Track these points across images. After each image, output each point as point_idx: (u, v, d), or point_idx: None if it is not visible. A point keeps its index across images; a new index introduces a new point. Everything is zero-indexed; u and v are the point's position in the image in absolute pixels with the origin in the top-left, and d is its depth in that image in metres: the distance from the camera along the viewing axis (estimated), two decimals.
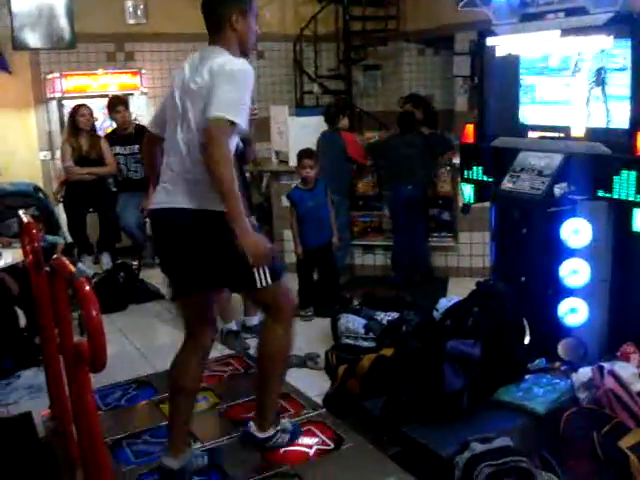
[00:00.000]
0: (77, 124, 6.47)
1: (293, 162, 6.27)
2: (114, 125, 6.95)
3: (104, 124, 7.42)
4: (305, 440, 3.19)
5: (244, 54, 2.90)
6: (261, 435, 3.03)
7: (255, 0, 2.94)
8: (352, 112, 6.98)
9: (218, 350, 4.43)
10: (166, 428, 3.04)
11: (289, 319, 2.98)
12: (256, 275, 2.75)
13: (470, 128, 4.25)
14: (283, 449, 3.11)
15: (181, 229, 2.77)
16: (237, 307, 5.22)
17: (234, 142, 2.81)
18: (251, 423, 3.07)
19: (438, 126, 7.15)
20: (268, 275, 2.77)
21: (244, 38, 2.89)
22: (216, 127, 2.60)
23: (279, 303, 2.92)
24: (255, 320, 5.11)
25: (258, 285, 2.77)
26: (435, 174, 6.38)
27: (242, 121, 2.64)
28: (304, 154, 5.60)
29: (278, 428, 3.08)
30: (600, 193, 3.46)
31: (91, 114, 6.63)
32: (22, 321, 4.81)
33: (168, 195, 2.80)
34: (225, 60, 2.74)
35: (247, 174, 5.90)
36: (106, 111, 6.96)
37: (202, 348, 2.99)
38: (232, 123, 2.62)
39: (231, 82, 2.66)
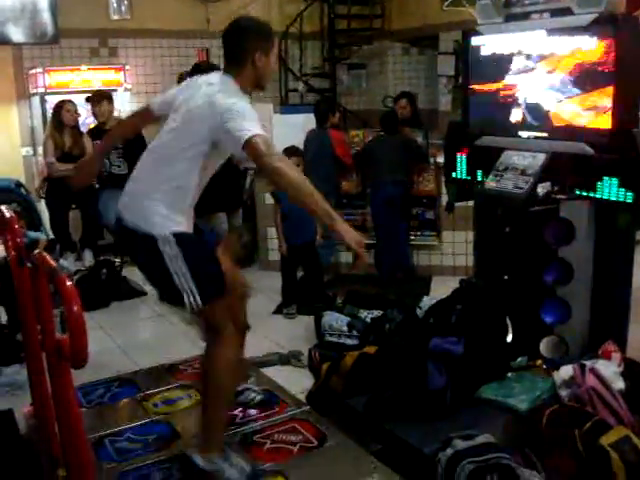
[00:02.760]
0: (62, 120, 6.42)
1: None
2: (97, 122, 6.90)
3: (87, 120, 7.37)
4: (289, 437, 3.20)
5: (260, 88, 2.97)
6: (202, 463, 2.82)
7: (275, 36, 2.99)
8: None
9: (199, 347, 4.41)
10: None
11: (228, 341, 2.87)
12: (185, 298, 2.73)
13: (454, 127, 4.26)
14: (267, 447, 3.12)
15: (133, 244, 2.88)
16: None
17: (218, 163, 2.89)
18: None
19: (422, 125, 7.16)
20: (197, 297, 2.72)
21: (263, 75, 2.92)
22: (258, 145, 2.55)
23: (215, 323, 2.87)
24: None
25: (187, 307, 2.76)
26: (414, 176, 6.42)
27: (265, 134, 2.61)
28: (289, 151, 5.59)
29: (226, 462, 2.85)
30: (583, 193, 3.48)
31: (76, 110, 6.59)
32: (3, 318, 4.77)
33: (125, 209, 2.90)
34: (229, 103, 2.69)
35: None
36: (89, 107, 6.91)
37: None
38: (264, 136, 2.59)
39: (239, 115, 2.64)
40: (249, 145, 2.55)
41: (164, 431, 3.26)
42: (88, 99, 6.72)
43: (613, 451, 2.84)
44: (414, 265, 6.56)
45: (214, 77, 2.92)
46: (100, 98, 6.60)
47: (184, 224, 2.81)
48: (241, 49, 2.86)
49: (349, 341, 4.54)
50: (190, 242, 2.78)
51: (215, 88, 2.79)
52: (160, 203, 2.76)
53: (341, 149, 6.32)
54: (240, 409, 3.47)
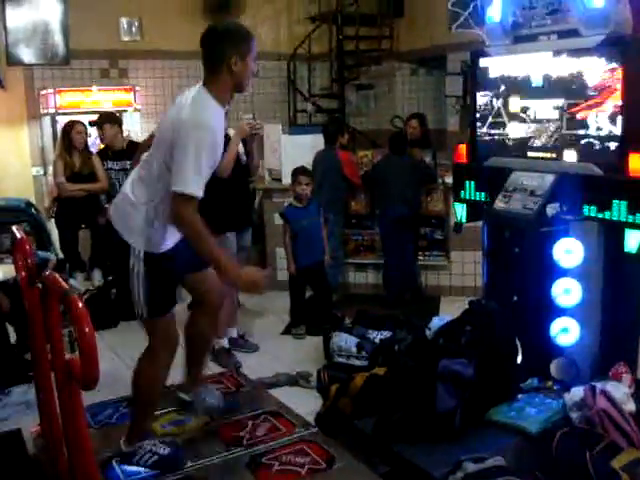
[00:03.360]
0: (72, 141, 6.46)
1: (286, 180, 6.29)
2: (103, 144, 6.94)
3: (97, 141, 7.41)
4: (297, 459, 3.18)
5: (239, 91, 3.03)
6: (124, 448, 3.19)
7: (254, 40, 2.98)
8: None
9: (209, 368, 4.40)
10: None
11: (157, 360, 3.14)
12: (135, 306, 3.03)
13: (463, 148, 4.27)
14: (275, 469, 3.10)
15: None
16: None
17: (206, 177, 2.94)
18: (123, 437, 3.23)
19: (431, 145, 7.18)
20: (145, 309, 3.02)
21: (240, 79, 2.94)
22: (178, 203, 2.79)
23: (153, 339, 3.12)
24: (234, 332, 5.13)
25: (136, 314, 3.07)
26: (422, 196, 6.43)
27: (198, 191, 2.79)
28: (300, 171, 5.62)
29: (140, 448, 3.16)
30: (592, 213, 3.48)
31: (86, 131, 6.63)
32: (12, 337, 4.77)
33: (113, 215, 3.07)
34: (192, 116, 2.82)
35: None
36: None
37: (209, 309, 3.37)
38: (192, 196, 2.79)
39: (188, 149, 2.77)
40: (176, 197, 2.79)
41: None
42: (91, 124, 6.76)
43: (625, 474, 2.82)
44: (422, 285, 6.55)
45: (192, 92, 2.95)
46: (101, 122, 6.62)
47: (160, 242, 2.98)
48: (216, 55, 2.89)
49: (358, 362, 4.52)
50: (157, 265, 2.97)
51: (183, 111, 2.86)
52: (141, 218, 2.93)
53: (349, 169, 6.34)
54: (248, 429, 3.46)
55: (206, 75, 2.94)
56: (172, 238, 3.02)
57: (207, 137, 2.80)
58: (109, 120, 6.65)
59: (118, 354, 5.16)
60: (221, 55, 2.87)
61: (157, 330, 3.09)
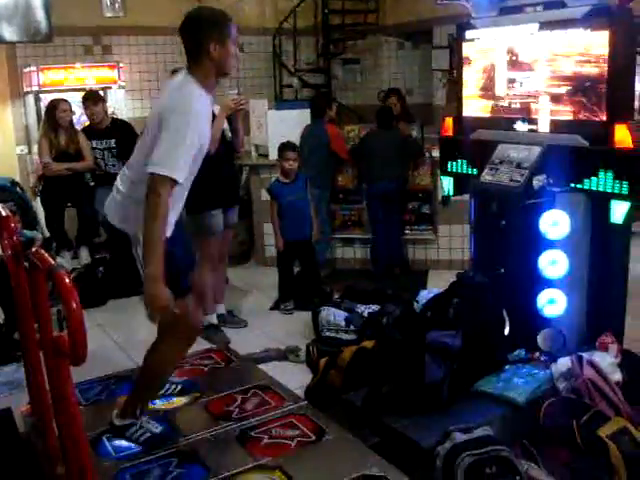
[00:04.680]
0: (57, 120, 6.40)
1: (272, 156, 6.27)
2: (91, 122, 6.88)
3: (81, 118, 7.35)
4: (287, 432, 3.20)
5: (223, 76, 2.97)
6: (117, 422, 3.18)
7: (234, 25, 2.93)
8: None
9: (199, 343, 4.41)
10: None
11: (178, 343, 3.07)
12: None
13: (449, 121, 4.27)
14: (264, 442, 3.13)
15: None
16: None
17: (201, 156, 2.92)
18: (115, 410, 3.22)
19: (415, 120, 7.16)
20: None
21: (222, 64, 2.90)
22: (154, 182, 2.69)
23: (169, 321, 2.91)
24: (222, 309, 5.14)
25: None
26: (410, 171, 6.43)
27: (180, 175, 2.70)
28: (287, 147, 5.59)
29: (137, 423, 3.17)
30: (578, 185, 3.49)
31: (70, 109, 6.56)
32: (0, 317, 4.76)
33: (115, 213, 2.99)
34: (176, 101, 2.78)
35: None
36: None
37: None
38: (171, 178, 2.69)
39: (172, 130, 2.71)
40: (153, 177, 2.68)
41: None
42: (84, 98, 6.68)
43: (611, 442, 2.86)
44: (409, 259, 6.57)
45: (176, 80, 2.93)
46: (97, 100, 6.58)
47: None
48: (195, 42, 2.85)
49: (347, 336, 4.55)
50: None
51: (168, 98, 2.84)
52: (135, 204, 2.83)
53: (337, 144, 6.32)
54: (237, 404, 3.48)
55: (189, 63, 2.91)
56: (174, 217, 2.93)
57: (191, 122, 2.75)
58: (103, 99, 6.65)
59: (107, 332, 5.17)
60: (200, 43, 2.83)
61: (179, 314, 2.92)
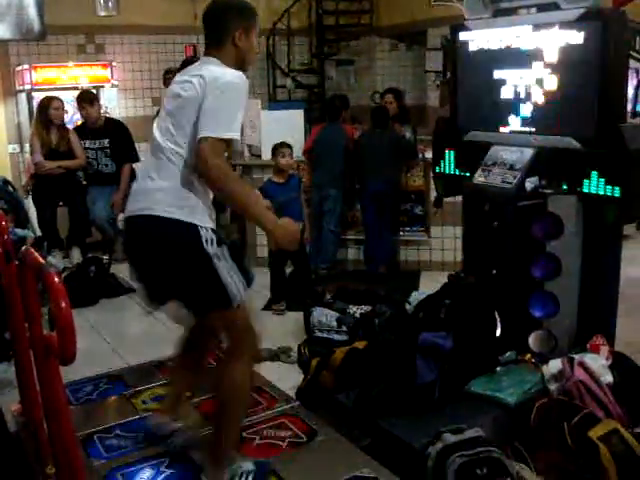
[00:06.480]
0: (49, 117, 6.38)
1: (265, 156, 6.26)
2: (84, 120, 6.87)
3: (74, 117, 7.33)
4: (278, 433, 3.20)
5: (242, 69, 2.78)
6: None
7: (258, 18, 2.88)
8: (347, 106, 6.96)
9: None
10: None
11: (243, 354, 2.75)
12: (231, 288, 2.64)
13: (442, 123, 4.27)
14: (256, 443, 3.12)
15: (153, 238, 2.69)
16: None
17: None
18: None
19: (410, 121, 7.16)
20: (241, 290, 2.67)
21: (244, 55, 2.80)
22: (207, 148, 2.49)
23: (235, 332, 2.77)
24: None
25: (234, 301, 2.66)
26: (404, 172, 6.44)
27: (235, 135, 2.55)
28: (281, 144, 5.60)
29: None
30: (571, 187, 3.49)
31: (63, 107, 6.55)
32: None
33: (140, 202, 2.72)
34: (218, 73, 2.62)
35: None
36: (75, 104, 6.88)
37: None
38: (224, 140, 2.53)
39: (221, 98, 2.55)
40: (205, 145, 2.50)
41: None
42: (81, 99, 6.66)
43: (602, 444, 2.86)
44: (402, 260, 6.57)
45: (197, 64, 2.83)
46: (92, 100, 6.57)
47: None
48: (221, 28, 2.76)
49: (338, 336, 4.54)
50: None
51: (206, 72, 2.63)
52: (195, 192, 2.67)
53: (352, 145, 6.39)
54: None
55: (208, 48, 2.81)
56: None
57: (241, 87, 2.62)
58: (97, 99, 6.64)
59: (98, 331, 5.15)
60: (227, 27, 2.75)
61: (238, 319, 2.74)
